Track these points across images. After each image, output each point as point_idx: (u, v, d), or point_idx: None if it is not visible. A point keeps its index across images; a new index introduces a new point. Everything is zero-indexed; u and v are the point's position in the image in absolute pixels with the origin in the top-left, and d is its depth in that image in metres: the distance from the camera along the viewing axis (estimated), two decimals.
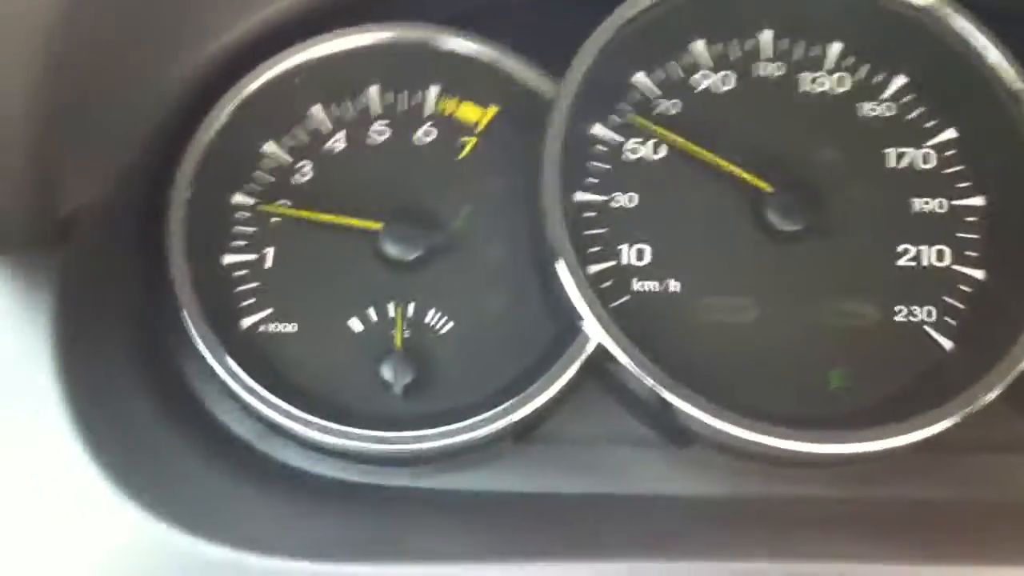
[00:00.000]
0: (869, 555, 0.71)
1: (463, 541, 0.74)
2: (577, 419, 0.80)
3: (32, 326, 0.73)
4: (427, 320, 0.82)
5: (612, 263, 0.81)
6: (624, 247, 0.82)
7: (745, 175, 0.82)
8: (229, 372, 0.77)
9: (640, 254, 0.82)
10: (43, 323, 0.73)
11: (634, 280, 0.81)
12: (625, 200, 0.83)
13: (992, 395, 0.75)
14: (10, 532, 0.70)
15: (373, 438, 0.76)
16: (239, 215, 0.84)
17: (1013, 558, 0.70)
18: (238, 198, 0.84)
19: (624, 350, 0.75)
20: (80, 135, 0.74)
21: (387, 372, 0.80)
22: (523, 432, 0.79)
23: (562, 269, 0.77)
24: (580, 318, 0.76)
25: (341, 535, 0.75)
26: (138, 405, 0.78)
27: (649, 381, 0.74)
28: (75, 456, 0.70)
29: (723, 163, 0.82)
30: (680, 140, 0.83)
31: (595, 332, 0.76)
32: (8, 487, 0.71)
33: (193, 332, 0.78)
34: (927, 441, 0.75)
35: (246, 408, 0.78)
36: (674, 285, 0.81)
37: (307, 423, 0.76)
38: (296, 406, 0.77)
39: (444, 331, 0.82)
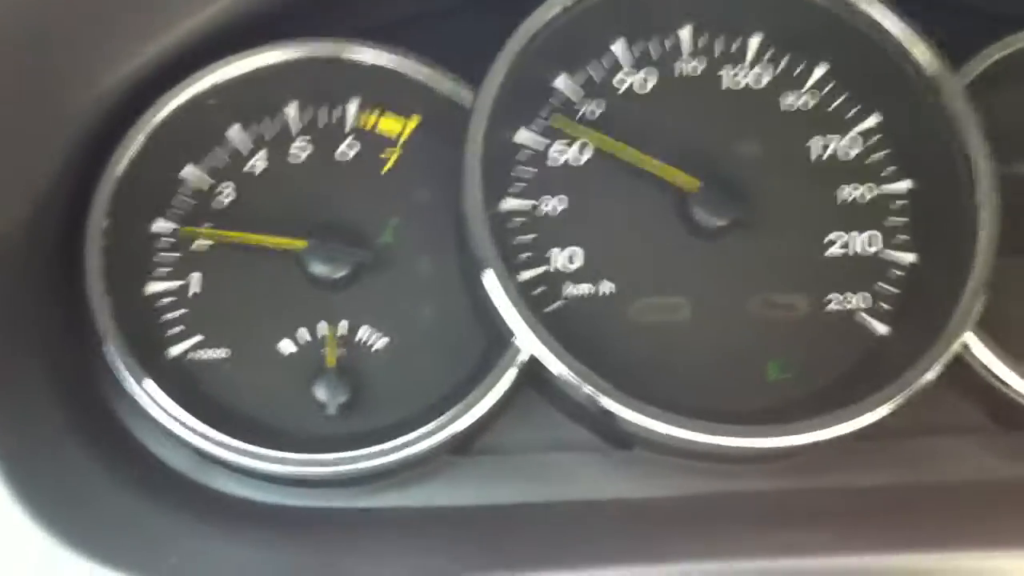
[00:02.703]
0: (816, 547, 0.71)
1: (405, 562, 0.72)
2: (516, 428, 0.80)
3: None
4: (359, 337, 0.81)
5: (543, 269, 0.80)
6: (554, 251, 0.81)
7: (670, 173, 0.81)
8: (156, 403, 0.75)
9: (571, 258, 0.81)
10: None
11: (566, 284, 0.80)
12: (553, 204, 0.82)
13: (930, 376, 0.75)
14: None
15: (309, 461, 0.75)
16: (161, 242, 0.82)
17: (959, 540, 0.70)
18: (159, 224, 0.82)
19: (559, 359, 0.74)
20: None
21: (321, 392, 0.78)
22: (461, 445, 0.78)
23: (490, 279, 0.75)
24: (511, 331, 0.75)
25: (281, 562, 0.74)
26: (63, 440, 0.76)
27: (587, 389, 0.74)
28: None
29: (648, 162, 0.81)
30: (605, 140, 0.82)
31: (528, 343, 0.75)
32: None
33: (117, 363, 0.76)
34: (869, 427, 0.75)
35: (177, 439, 0.76)
36: (607, 287, 0.81)
37: (240, 451, 0.75)
38: (228, 433, 0.75)
39: (377, 348, 0.81)
